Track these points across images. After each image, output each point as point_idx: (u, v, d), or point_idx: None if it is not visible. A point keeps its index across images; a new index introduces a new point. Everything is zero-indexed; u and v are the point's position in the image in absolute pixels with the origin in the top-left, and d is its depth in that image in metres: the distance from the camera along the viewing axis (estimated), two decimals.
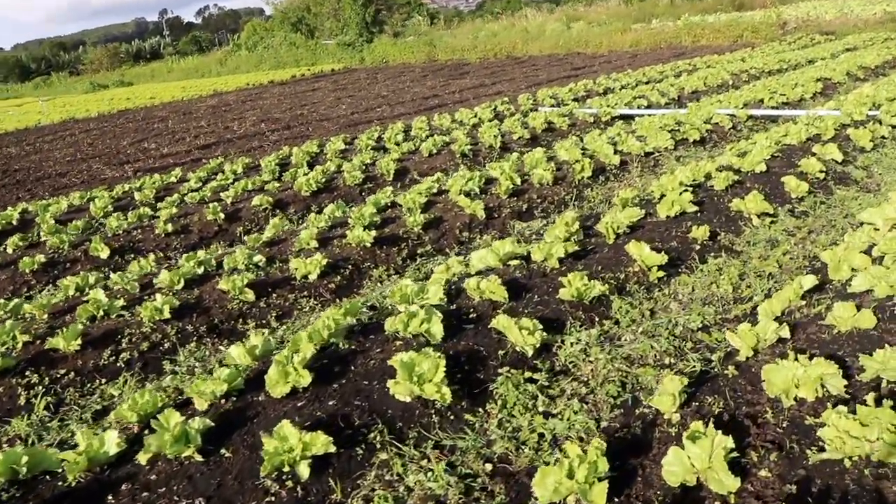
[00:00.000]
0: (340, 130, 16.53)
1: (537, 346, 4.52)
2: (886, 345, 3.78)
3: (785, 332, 4.11)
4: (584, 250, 6.16)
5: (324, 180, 9.96)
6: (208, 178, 11.52)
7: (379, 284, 6.62)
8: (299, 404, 4.17)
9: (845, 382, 3.44)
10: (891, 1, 30.63)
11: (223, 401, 4.33)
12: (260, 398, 4.29)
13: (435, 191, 8.51)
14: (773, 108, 12.39)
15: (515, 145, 11.58)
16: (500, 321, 4.59)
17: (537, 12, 44.20)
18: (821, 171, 7.87)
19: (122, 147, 18.70)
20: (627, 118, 13.00)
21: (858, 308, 4.17)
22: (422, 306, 5.27)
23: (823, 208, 7.11)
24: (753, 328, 4.15)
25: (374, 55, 40.04)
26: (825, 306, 4.49)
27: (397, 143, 12.58)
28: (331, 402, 4.13)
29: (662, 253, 5.56)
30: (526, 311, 5.11)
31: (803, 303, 4.63)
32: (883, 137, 9.48)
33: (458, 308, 5.23)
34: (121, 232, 8.55)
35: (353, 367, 4.53)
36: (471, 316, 5.10)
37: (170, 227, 8.44)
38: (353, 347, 4.79)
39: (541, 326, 4.62)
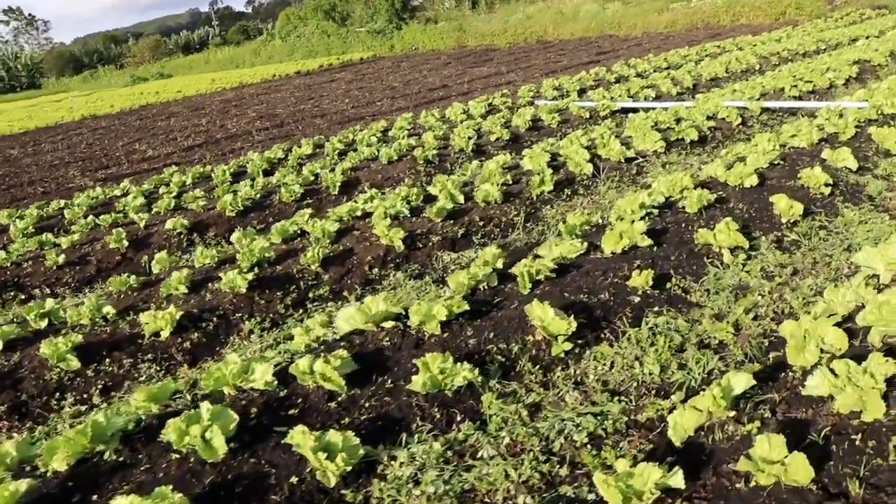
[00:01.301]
0: (330, 128, 15.30)
1: (347, 469, 3.20)
2: None
3: (677, 481, 2.70)
4: (487, 305, 4.78)
5: (258, 196, 8.72)
6: (152, 192, 10.36)
7: (247, 342, 5.35)
8: None
9: None
10: None
11: None
12: None
13: (359, 213, 7.18)
14: (795, 97, 10.70)
15: (492, 148, 10.16)
16: (295, 436, 3.28)
17: None
18: (826, 185, 6.30)
19: (114, 149, 17.83)
20: (631, 112, 11.43)
21: (793, 444, 2.73)
22: (243, 392, 4.01)
23: (821, 237, 5.57)
24: (631, 473, 2.75)
25: (403, 42, 38.67)
26: (757, 426, 3.05)
27: (369, 145, 11.27)
28: None
29: (572, 317, 4.14)
30: (367, 405, 3.79)
31: (731, 415, 3.18)
32: None
33: (287, 398, 3.93)
34: (9, 264, 7.42)
35: (96, 497, 3.28)
36: (291, 412, 3.79)
37: (61, 259, 7.28)
38: (121, 460, 3.54)
39: (356, 441, 3.30)
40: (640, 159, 8.24)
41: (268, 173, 10.55)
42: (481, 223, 6.89)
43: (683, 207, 6.05)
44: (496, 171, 7.63)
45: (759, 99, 10.63)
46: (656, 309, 4.57)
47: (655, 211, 6.05)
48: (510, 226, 6.87)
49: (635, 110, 11.39)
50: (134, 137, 19.46)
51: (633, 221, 5.47)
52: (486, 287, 5.04)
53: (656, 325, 4.38)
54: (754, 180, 6.42)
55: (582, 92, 14.01)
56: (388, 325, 4.59)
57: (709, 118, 9.59)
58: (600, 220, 6.29)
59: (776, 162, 7.05)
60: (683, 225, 5.80)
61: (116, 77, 59.88)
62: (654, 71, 15.74)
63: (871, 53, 13.25)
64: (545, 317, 4.18)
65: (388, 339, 4.45)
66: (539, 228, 6.76)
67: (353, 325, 4.64)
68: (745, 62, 14.59)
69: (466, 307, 4.52)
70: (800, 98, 10.82)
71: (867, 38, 17.16)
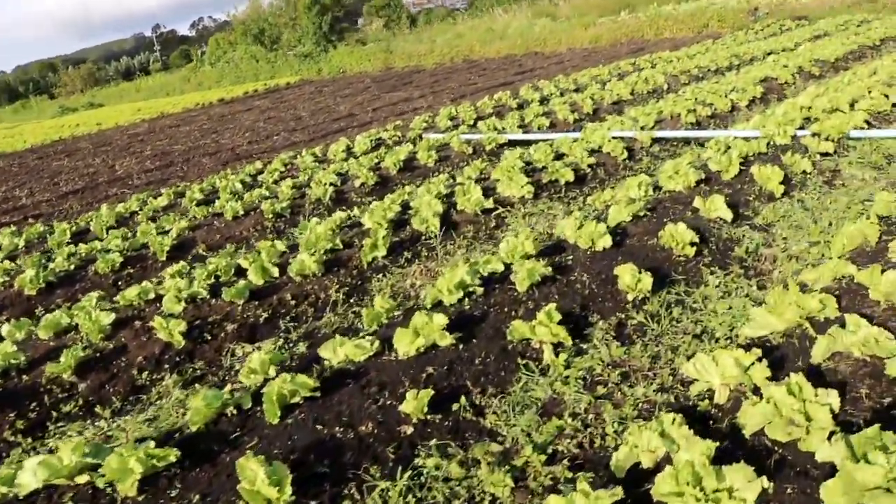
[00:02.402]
0: (216, 168, 14.14)
1: None
2: None
3: None
4: (221, 442, 3.67)
5: (73, 266, 7.53)
6: None
7: None
8: None
9: None
10: None
11: None
12: None
13: (152, 296, 6.02)
14: (692, 124, 9.79)
15: (356, 195, 9.07)
16: None
17: (508, 10, 41.41)
18: (692, 244, 5.31)
19: None
20: (521, 144, 10.43)
21: None
22: None
23: (674, 317, 4.57)
24: None
25: (331, 65, 37.50)
26: None
27: (233, 192, 10.15)
28: None
29: (287, 482, 3.04)
30: None
31: None
32: (804, 173, 6.88)
33: None
34: None
35: None
36: None
37: None
38: None
39: None
40: (501, 209, 7.21)
41: (112, 229, 9.33)
42: (293, 303, 5.78)
43: (514, 284, 5.01)
44: (324, 236, 6.53)
45: (654, 126, 9.72)
46: (433, 443, 3.50)
47: (480, 289, 5.00)
48: (329, 304, 5.77)
49: (528, 142, 10.41)
50: (20, 181, 18.05)
51: (432, 312, 4.39)
52: (232, 412, 3.93)
53: (423, 471, 3.31)
54: (608, 242, 5.41)
55: (479, 120, 12.99)
56: (83, 479, 3.47)
57: (592, 153, 8.63)
58: (416, 302, 5.25)
59: (642, 214, 6.06)
60: (507, 309, 4.76)
61: (47, 107, 57.89)
62: (561, 94, 14.81)
63: (779, 70, 12.44)
64: (257, 476, 3.08)
65: (73, 501, 3.33)
66: (360, 308, 5.67)
67: (39, 480, 3.50)
68: (653, 82, 13.71)
69: (174, 457, 3.40)
70: (698, 124, 9.92)
71: (783, 51, 16.46)
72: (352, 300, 5.83)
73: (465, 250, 6.52)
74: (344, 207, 8.57)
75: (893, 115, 8.77)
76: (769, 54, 16.16)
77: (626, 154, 8.55)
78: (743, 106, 10.67)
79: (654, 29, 27.14)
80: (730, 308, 4.56)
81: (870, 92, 9.33)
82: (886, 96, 9.04)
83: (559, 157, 8.73)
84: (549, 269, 5.01)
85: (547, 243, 5.88)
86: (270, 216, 8.36)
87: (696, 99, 10.94)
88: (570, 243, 5.62)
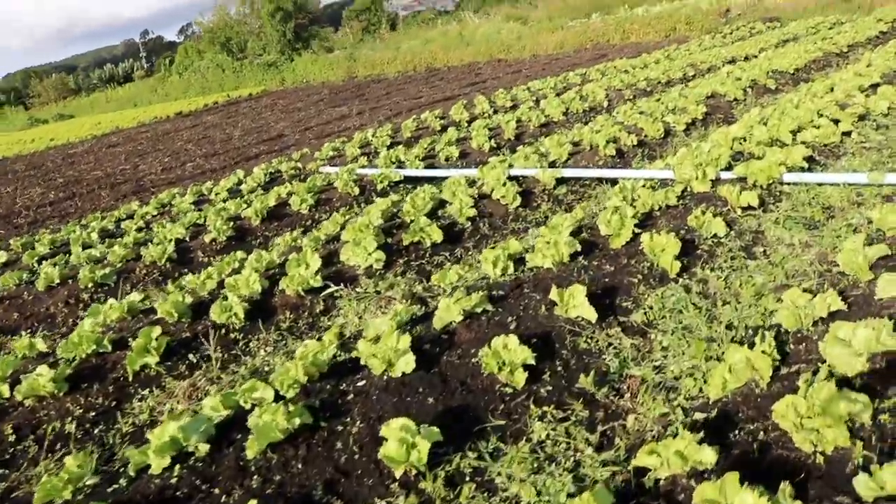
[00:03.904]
0: (110, 204, 12.70)
1: None
2: None
3: None
4: None
5: None
6: None
7: None
8: None
9: None
10: None
11: None
12: None
13: None
14: (611, 157, 8.31)
15: (206, 253, 7.59)
16: None
17: (486, 14, 39.92)
18: (525, 367, 3.80)
19: None
20: (423, 181, 8.95)
21: None
22: None
23: None
24: None
25: (295, 75, 35.98)
26: None
27: (86, 246, 8.70)
28: None
29: None
30: None
31: None
32: (716, 239, 5.37)
33: None
34: None
35: None
36: None
37: None
38: None
39: None
40: (334, 288, 5.71)
41: None
42: (14, 438, 4.30)
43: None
44: (89, 336, 5.03)
45: (567, 160, 8.25)
46: None
47: (204, 447, 3.51)
48: (62, 439, 4.29)
49: (427, 179, 8.93)
50: None
51: None
52: None
53: None
54: (409, 364, 3.92)
55: (393, 146, 11.51)
56: None
57: (480, 199, 7.15)
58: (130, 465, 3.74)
59: (480, 310, 4.57)
60: (223, 488, 3.27)
61: (19, 119, 56.48)
62: (494, 112, 13.33)
63: (730, 85, 10.90)
64: None
65: None
66: (111, 443, 4.17)
67: None
68: (592, 99, 12.19)
69: None
70: (621, 155, 8.44)
71: (745, 58, 14.95)
72: (98, 429, 4.35)
73: (272, 348, 5.04)
74: (185, 271, 7.14)
75: (843, 147, 7.26)
76: (730, 62, 14.63)
77: (519, 200, 7.06)
78: (680, 130, 9.16)
79: (621, 33, 25.61)
80: (539, 495, 3.07)
81: (819, 116, 7.83)
82: (837, 122, 7.55)
83: (441, 204, 7.25)
84: (305, 415, 3.52)
85: (349, 354, 4.41)
86: (89, 285, 6.87)
87: (624, 123, 9.44)
88: (365, 363, 4.12)
